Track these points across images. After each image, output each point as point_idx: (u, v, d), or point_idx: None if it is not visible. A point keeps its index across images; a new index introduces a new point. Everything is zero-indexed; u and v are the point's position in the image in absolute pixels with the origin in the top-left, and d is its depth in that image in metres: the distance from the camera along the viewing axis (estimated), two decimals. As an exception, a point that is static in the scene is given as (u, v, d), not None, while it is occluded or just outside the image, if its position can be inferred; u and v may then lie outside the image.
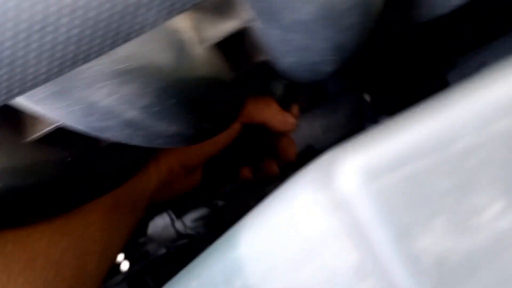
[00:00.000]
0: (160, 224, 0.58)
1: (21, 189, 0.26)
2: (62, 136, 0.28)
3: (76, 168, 0.29)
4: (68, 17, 0.14)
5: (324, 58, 0.27)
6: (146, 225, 0.59)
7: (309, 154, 0.66)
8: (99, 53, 0.16)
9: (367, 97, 0.75)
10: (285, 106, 0.59)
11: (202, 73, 0.26)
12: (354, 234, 0.13)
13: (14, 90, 0.15)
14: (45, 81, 0.16)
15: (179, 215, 0.59)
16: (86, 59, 0.16)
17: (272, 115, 0.56)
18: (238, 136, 0.56)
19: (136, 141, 0.27)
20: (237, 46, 0.30)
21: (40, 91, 0.20)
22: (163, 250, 0.56)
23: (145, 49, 0.22)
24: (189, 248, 0.57)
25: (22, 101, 0.21)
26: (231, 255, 0.16)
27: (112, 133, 0.25)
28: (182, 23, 0.25)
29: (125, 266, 0.59)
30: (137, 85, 0.22)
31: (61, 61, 0.15)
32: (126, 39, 0.17)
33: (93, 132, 0.25)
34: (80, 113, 0.22)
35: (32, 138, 0.26)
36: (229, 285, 0.16)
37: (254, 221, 0.17)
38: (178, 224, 0.58)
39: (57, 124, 0.26)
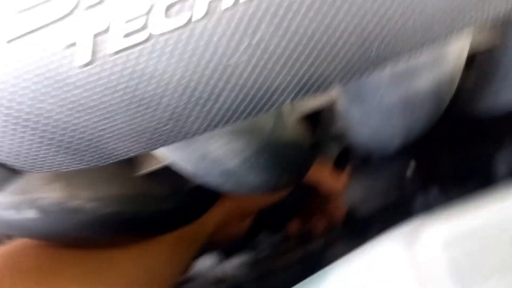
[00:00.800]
0: (207, 263, 0.61)
1: (125, 216, 0.31)
2: (163, 173, 0.33)
3: (168, 202, 0.34)
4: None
5: (392, 138, 0.32)
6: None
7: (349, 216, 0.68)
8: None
9: (412, 163, 0.77)
10: (338, 166, 0.63)
11: (290, 137, 0.31)
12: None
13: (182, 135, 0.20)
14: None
15: (227, 256, 0.63)
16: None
17: (326, 177, 0.60)
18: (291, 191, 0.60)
19: (224, 188, 0.31)
20: (320, 117, 0.35)
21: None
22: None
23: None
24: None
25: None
26: None
27: (209, 179, 0.30)
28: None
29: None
30: (242, 141, 0.27)
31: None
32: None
33: (194, 177, 0.30)
34: (192, 160, 0.27)
35: (142, 173, 0.31)
36: None
37: (341, 268, 0.21)
38: (224, 266, 0.62)
39: (165, 163, 0.31)
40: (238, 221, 0.54)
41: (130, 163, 0.31)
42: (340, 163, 0.63)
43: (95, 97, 0.18)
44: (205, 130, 0.21)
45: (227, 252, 0.65)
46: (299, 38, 0.18)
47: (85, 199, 0.29)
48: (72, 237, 0.31)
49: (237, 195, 0.53)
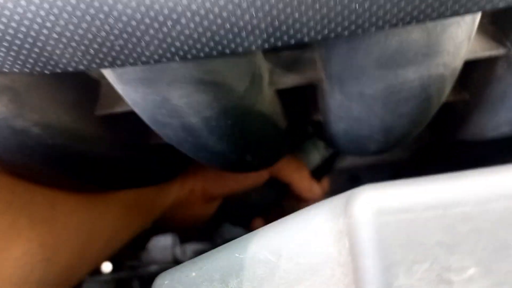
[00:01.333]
0: (161, 243, 0.59)
1: (72, 152, 0.29)
2: (123, 122, 0.31)
3: (122, 154, 0.32)
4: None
5: (371, 134, 0.30)
6: (147, 240, 0.60)
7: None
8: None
9: None
10: (316, 177, 0.61)
11: (262, 110, 0.29)
12: (350, 261, 0.15)
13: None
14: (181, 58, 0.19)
15: (182, 242, 0.61)
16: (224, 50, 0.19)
17: (300, 179, 0.58)
18: (261, 186, 0.58)
19: (184, 147, 0.30)
20: (298, 99, 0.33)
21: (130, 73, 0.24)
22: (154, 267, 0.57)
23: (227, 69, 0.25)
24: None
25: (111, 77, 0.25)
26: (235, 256, 0.18)
27: (169, 132, 0.28)
28: (262, 62, 0.28)
29: (107, 267, 0.60)
30: (208, 97, 0.25)
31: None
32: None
33: (154, 125, 0.28)
34: (152, 103, 0.25)
35: (101, 113, 0.29)
36: (224, 283, 0.18)
37: (267, 232, 0.19)
38: (178, 250, 0.59)
39: (126, 109, 0.29)
40: (199, 202, 0.52)
41: (91, 99, 0.30)
42: (318, 174, 0.62)
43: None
44: (159, 57, 0.19)
45: (185, 236, 0.63)
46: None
47: (31, 122, 0.27)
48: (14, 164, 0.29)
49: (202, 176, 0.51)
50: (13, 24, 0.18)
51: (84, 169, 0.31)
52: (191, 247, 0.61)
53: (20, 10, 0.17)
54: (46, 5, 0.17)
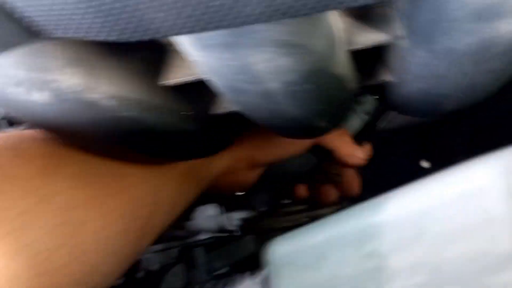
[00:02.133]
0: (207, 213, 0.59)
1: (142, 125, 0.28)
2: (189, 91, 0.30)
3: (188, 125, 0.31)
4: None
5: (454, 92, 0.28)
6: (193, 209, 0.60)
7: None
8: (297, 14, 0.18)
9: (425, 164, 0.74)
10: (357, 142, 0.60)
11: (339, 72, 0.27)
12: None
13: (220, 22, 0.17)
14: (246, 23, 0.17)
15: (228, 210, 0.61)
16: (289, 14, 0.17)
17: (342, 145, 0.57)
18: (304, 153, 0.57)
19: (258, 114, 0.28)
20: (369, 60, 0.31)
21: (210, 38, 0.22)
22: (202, 236, 0.57)
23: (308, 31, 0.23)
24: (225, 242, 0.58)
25: (186, 43, 0.23)
26: (371, 219, 0.17)
27: (245, 99, 0.27)
28: (339, 22, 0.26)
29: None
30: (290, 61, 0.24)
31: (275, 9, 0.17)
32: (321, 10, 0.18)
33: (229, 92, 0.26)
34: (233, 69, 0.24)
35: (170, 82, 0.28)
36: (359, 247, 0.17)
37: (408, 193, 0.17)
38: (224, 218, 0.59)
39: (196, 76, 0.28)
40: (245, 170, 0.51)
41: (158, 68, 0.28)
42: (360, 138, 0.60)
43: None
44: (257, 17, 0.18)
45: (228, 204, 0.63)
46: None
47: (103, 94, 0.26)
48: (82, 135, 0.28)
49: (249, 143, 0.50)
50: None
51: (152, 141, 0.30)
52: (236, 215, 0.61)
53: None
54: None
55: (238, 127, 0.38)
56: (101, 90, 0.25)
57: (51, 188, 0.27)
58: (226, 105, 0.32)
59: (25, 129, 0.43)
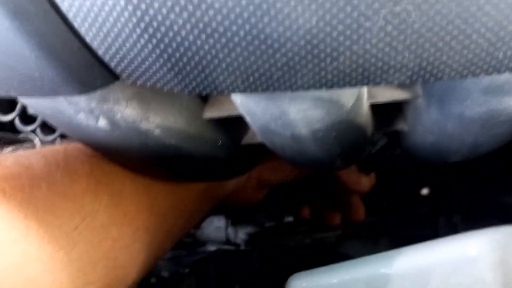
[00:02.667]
0: (215, 224, 0.62)
1: (181, 152, 0.32)
2: (225, 124, 0.33)
3: (220, 153, 0.34)
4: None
5: (459, 149, 0.32)
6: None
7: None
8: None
9: (425, 191, 0.77)
10: (364, 171, 0.63)
11: (361, 122, 0.31)
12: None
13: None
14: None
15: (234, 224, 0.64)
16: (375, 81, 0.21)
17: (349, 173, 0.60)
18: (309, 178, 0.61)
19: (284, 152, 0.32)
20: (387, 110, 0.35)
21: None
22: (212, 248, 0.60)
23: (342, 89, 0.27)
24: (231, 255, 0.61)
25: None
26: (381, 271, 0.21)
27: (276, 139, 0.30)
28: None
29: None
30: (321, 112, 0.27)
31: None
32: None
33: (263, 133, 0.30)
34: (271, 116, 0.27)
35: (211, 116, 0.31)
36: None
37: (415, 251, 0.21)
38: (231, 231, 0.63)
39: (232, 113, 0.31)
40: (254, 190, 0.55)
41: (200, 103, 0.32)
42: (366, 167, 0.64)
43: (226, 22, 0.18)
44: (311, 86, 0.21)
45: (235, 218, 0.66)
46: (438, 21, 0.18)
47: (154, 124, 0.29)
48: (130, 157, 0.31)
49: (260, 164, 0.54)
50: (187, 52, 0.20)
51: (187, 166, 0.34)
52: (242, 229, 0.64)
53: (195, 39, 0.19)
54: (223, 40, 0.19)
55: (262, 155, 0.42)
56: (152, 120, 0.29)
57: (94, 206, 0.30)
58: (255, 137, 0.35)
59: (61, 141, 0.47)
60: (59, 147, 0.35)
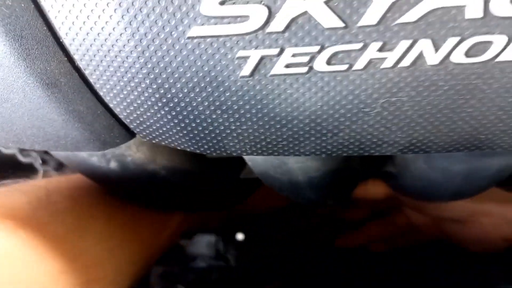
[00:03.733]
0: (206, 239, 0.64)
1: (185, 188, 0.34)
2: (226, 161, 0.36)
3: (221, 187, 0.37)
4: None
5: (444, 194, 0.34)
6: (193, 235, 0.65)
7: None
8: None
9: None
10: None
11: (355, 167, 0.33)
12: None
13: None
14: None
15: (224, 240, 0.66)
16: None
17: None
18: None
19: (282, 191, 0.34)
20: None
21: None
22: (202, 264, 0.62)
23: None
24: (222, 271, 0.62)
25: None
26: None
27: (274, 182, 0.32)
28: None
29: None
30: (318, 163, 0.29)
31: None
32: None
33: (263, 177, 0.32)
34: (271, 164, 0.29)
35: (212, 155, 0.33)
36: None
37: None
38: (221, 246, 0.64)
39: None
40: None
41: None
42: None
43: (240, 103, 0.21)
44: (312, 153, 0.23)
45: (225, 234, 0.67)
46: (430, 112, 0.20)
47: (160, 166, 0.31)
48: (136, 195, 0.33)
49: None
50: (202, 123, 0.22)
51: (191, 200, 0.36)
52: (232, 245, 0.66)
53: (211, 114, 0.21)
54: (236, 115, 0.21)
55: (258, 186, 0.44)
56: (159, 162, 0.31)
57: (80, 246, 0.31)
58: (251, 173, 0.37)
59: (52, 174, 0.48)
60: (46, 182, 0.35)
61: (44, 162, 0.50)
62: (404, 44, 0.18)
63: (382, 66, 0.19)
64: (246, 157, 0.31)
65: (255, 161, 0.30)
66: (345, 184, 0.34)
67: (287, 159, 0.29)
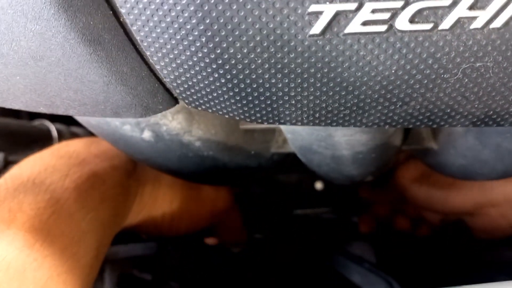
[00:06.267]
0: None
1: (218, 162, 0.32)
2: (257, 133, 0.34)
3: (250, 162, 0.35)
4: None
5: (488, 173, 0.32)
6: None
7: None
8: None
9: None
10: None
11: (397, 144, 0.31)
12: None
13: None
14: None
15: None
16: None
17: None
18: None
19: (321, 168, 0.32)
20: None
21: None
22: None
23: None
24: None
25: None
26: None
27: (315, 158, 0.30)
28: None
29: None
30: (366, 137, 0.28)
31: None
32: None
33: (303, 151, 0.30)
34: (315, 137, 0.28)
35: (245, 127, 0.31)
36: None
37: None
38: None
39: (268, 126, 0.31)
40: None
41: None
42: None
43: (305, 65, 0.18)
44: (375, 124, 0.21)
45: None
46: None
47: (196, 137, 0.29)
48: (168, 167, 0.31)
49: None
50: (259, 88, 0.20)
51: (220, 175, 0.34)
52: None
53: (270, 78, 0.19)
54: (298, 80, 0.19)
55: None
56: (194, 133, 0.29)
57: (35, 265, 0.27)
58: (285, 146, 0.35)
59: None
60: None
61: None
62: (498, 2, 0.16)
63: (470, 27, 0.17)
64: (287, 129, 0.29)
65: (298, 134, 0.28)
66: (387, 159, 0.32)
67: (335, 131, 0.27)
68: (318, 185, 0.62)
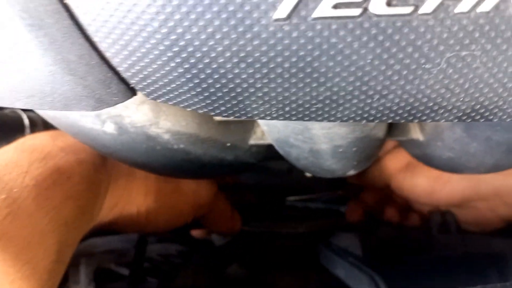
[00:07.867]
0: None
1: (189, 155, 0.30)
2: (232, 125, 0.32)
3: (224, 154, 0.33)
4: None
5: (476, 167, 0.31)
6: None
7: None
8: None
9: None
10: None
11: (380, 136, 0.30)
12: None
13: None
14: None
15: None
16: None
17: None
18: None
19: (302, 163, 0.30)
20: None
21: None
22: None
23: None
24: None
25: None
26: None
27: (293, 151, 0.29)
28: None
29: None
30: (346, 130, 0.26)
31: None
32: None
33: (280, 145, 0.28)
34: (292, 130, 0.26)
35: (219, 119, 0.29)
36: None
37: None
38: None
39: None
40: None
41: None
42: None
43: (271, 54, 0.16)
44: (350, 119, 0.19)
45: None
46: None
47: (164, 129, 0.27)
48: (136, 161, 0.29)
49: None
50: (221, 79, 0.18)
51: (193, 168, 0.32)
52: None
53: (233, 67, 0.17)
54: (264, 70, 0.17)
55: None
56: (162, 125, 0.27)
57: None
58: (263, 137, 0.34)
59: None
60: None
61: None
62: (486, -19, 0.14)
63: (455, 10, 0.15)
64: (262, 122, 0.27)
65: (273, 126, 0.26)
66: (370, 153, 0.31)
67: (312, 124, 0.25)
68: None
